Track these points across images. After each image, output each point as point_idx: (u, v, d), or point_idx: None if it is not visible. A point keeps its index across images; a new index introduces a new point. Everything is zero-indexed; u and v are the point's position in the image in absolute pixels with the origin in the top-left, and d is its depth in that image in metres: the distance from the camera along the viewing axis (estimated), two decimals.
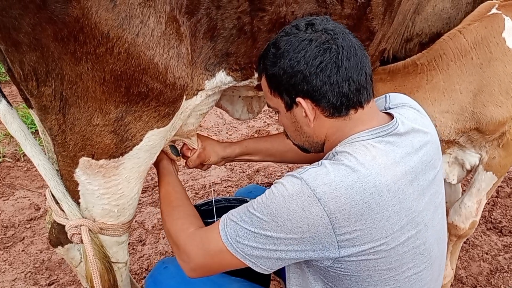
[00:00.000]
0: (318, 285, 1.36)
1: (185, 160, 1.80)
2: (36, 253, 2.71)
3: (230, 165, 3.44)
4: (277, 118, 1.46)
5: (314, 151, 1.42)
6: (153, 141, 1.45)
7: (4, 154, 3.47)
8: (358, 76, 1.27)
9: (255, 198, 2.03)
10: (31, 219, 2.93)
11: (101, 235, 1.59)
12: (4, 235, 2.83)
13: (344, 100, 1.28)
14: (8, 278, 2.56)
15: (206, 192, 3.17)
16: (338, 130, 1.33)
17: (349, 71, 1.26)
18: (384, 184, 1.22)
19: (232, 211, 1.33)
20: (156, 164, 1.72)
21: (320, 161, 1.27)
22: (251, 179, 3.31)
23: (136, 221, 2.96)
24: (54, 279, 2.56)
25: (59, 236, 1.66)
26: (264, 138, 1.98)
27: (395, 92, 1.59)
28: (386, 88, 1.86)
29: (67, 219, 1.53)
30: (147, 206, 3.09)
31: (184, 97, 1.44)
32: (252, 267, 1.28)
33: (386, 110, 1.45)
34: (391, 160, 1.26)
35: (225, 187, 3.22)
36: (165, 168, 1.69)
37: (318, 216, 1.18)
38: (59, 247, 1.68)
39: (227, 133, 3.86)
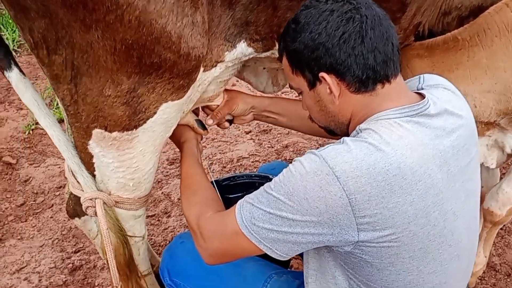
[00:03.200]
0: (337, 271, 1.29)
1: (209, 116, 1.71)
2: (64, 220, 2.74)
3: (258, 139, 3.37)
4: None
5: (340, 133, 1.33)
6: (168, 114, 1.39)
7: (37, 121, 3.51)
8: (385, 47, 1.18)
9: (277, 175, 2.01)
10: (60, 187, 2.95)
11: (116, 209, 1.57)
12: (34, 201, 2.87)
13: (370, 73, 1.18)
14: (36, 244, 2.60)
15: (234, 166, 3.12)
16: (364, 107, 1.23)
17: (375, 41, 1.16)
18: (409, 166, 1.12)
19: (249, 195, 1.27)
20: (180, 143, 1.66)
21: (342, 138, 1.19)
22: (279, 154, 3.23)
23: (162, 192, 2.95)
24: (80, 247, 2.59)
25: (76, 207, 1.65)
26: (296, 100, 1.84)
27: (433, 69, 1.48)
28: (424, 65, 1.73)
29: (83, 191, 1.51)
30: (174, 178, 3.07)
31: (202, 68, 1.37)
32: (267, 253, 1.22)
33: (418, 90, 1.35)
34: (419, 141, 1.16)
35: (252, 162, 3.16)
36: (189, 149, 1.63)
37: (337, 196, 1.10)
38: (76, 218, 1.67)
39: None
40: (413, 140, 1.16)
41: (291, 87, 1.36)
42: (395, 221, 1.13)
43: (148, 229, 2.69)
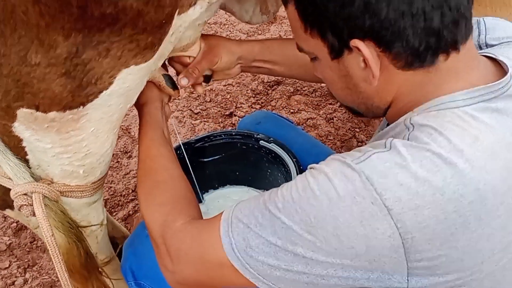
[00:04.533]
0: None
1: (182, 73, 1.23)
2: None
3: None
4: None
5: (371, 116, 0.95)
6: (131, 81, 0.94)
7: None
8: (458, 0, 0.77)
9: (264, 133, 1.54)
10: None
11: (64, 198, 1.16)
12: None
13: (432, 40, 0.78)
14: None
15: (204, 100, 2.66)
16: (416, 88, 0.84)
17: None
18: (491, 185, 0.76)
19: (240, 204, 0.88)
20: (139, 105, 1.21)
21: (388, 141, 0.80)
22: (260, 79, 2.78)
23: (121, 127, 2.51)
24: None
25: (5, 198, 1.22)
26: (293, 41, 1.40)
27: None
28: None
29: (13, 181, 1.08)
30: (132, 108, 2.61)
31: (176, 12, 0.91)
32: None
33: (480, 47, 0.95)
34: (501, 140, 0.80)
35: (226, 87, 2.72)
36: (151, 115, 1.17)
37: (385, 235, 0.74)
38: (8, 210, 1.25)
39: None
40: (493, 141, 0.79)
41: (299, 49, 0.93)
42: (464, 264, 0.78)
43: None
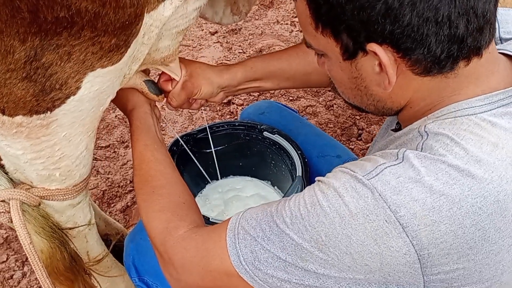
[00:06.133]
0: None
1: (165, 98, 1.21)
2: None
3: (227, 42, 2.83)
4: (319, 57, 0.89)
5: (379, 115, 0.90)
6: (100, 84, 0.90)
7: None
8: (485, 5, 0.71)
9: (267, 123, 1.51)
10: None
11: (46, 201, 1.13)
12: None
13: (454, 48, 0.73)
14: None
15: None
16: (432, 94, 0.79)
17: None
18: (511, 195, 0.72)
19: (246, 213, 0.85)
20: (127, 111, 1.17)
21: (400, 152, 0.75)
22: None
23: (116, 116, 2.47)
24: None
25: None
26: (277, 54, 1.31)
27: None
28: None
29: None
30: None
31: (144, 11, 0.86)
32: None
33: (495, 43, 0.89)
34: None
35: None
36: (141, 120, 1.13)
37: (401, 253, 0.71)
38: None
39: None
40: None
41: (306, 45, 0.86)
42: (482, 276, 0.74)
43: (103, 165, 2.28)
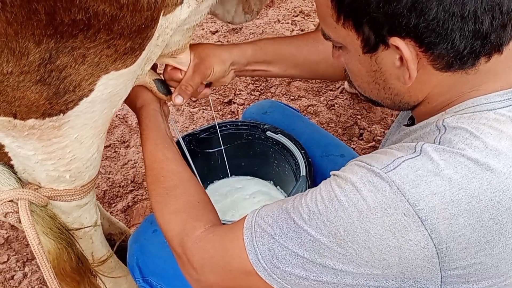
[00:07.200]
0: None
1: (176, 91, 1.17)
2: None
3: (227, 41, 2.83)
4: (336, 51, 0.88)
5: (395, 109, 0.90)
6: (113, 87, 0.90)
7: None
8: (510, 2, 0.71)
9: (270, 123, 1.50)
10: None
11: (53, 201, 1.13)
12: None
13: (477, 44, 0.73)
14: None
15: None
16: (451, 89, 0.80)
17: None
18: None
19: (262, 210, 0.85)
20: (136, 108, 1.16)
21: (418, 145, 0.75)
22: None
23: (117, 116, 2.47)
24: None
25: None
26: (287, 39, 1.28)
27: None
28: None
29: None
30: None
31: (160, 15, 0.86)
32: None
33: None
34: None
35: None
36: (151, 118, 1.12)
37: (419, 246, 0.71)
38: None
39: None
40: None
41: (324, 36, 0.86)
42: (498, 270, 0.75)
43: (104, 165, 2.27)
